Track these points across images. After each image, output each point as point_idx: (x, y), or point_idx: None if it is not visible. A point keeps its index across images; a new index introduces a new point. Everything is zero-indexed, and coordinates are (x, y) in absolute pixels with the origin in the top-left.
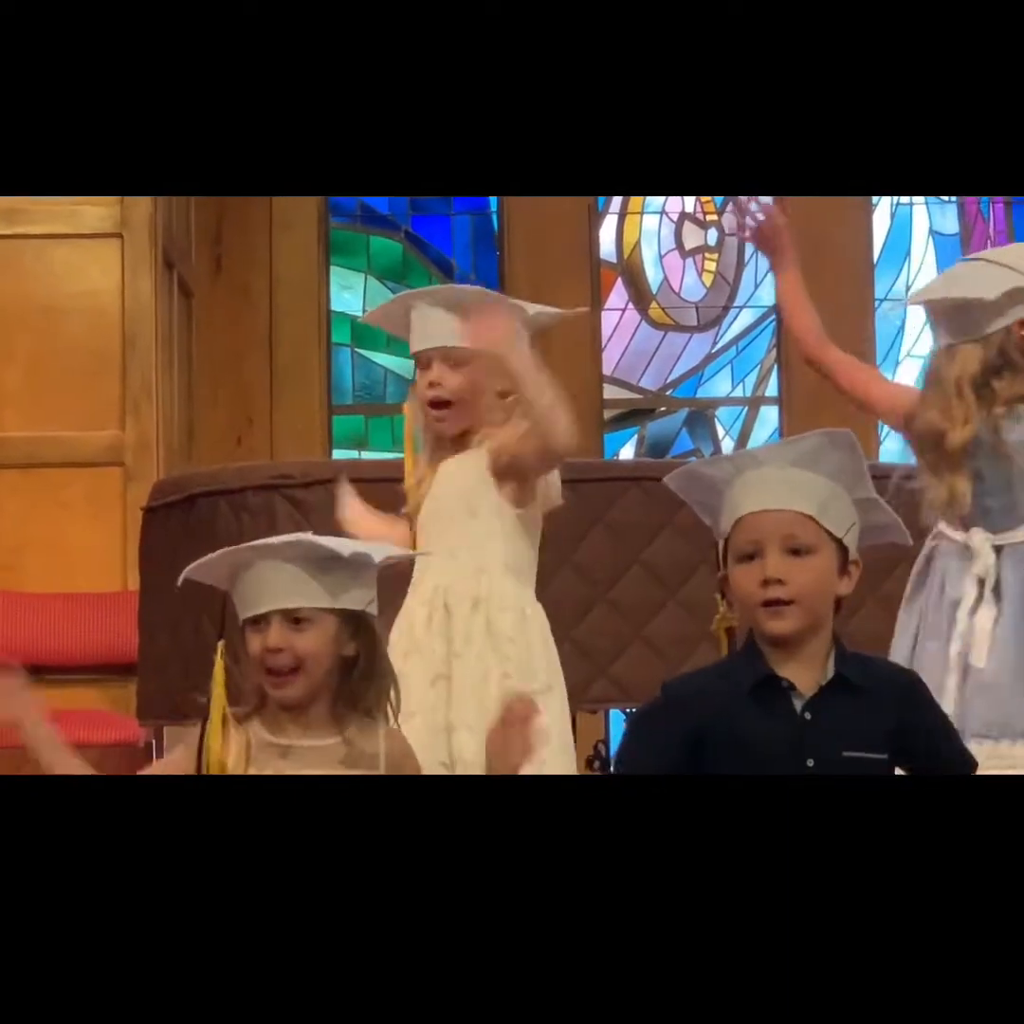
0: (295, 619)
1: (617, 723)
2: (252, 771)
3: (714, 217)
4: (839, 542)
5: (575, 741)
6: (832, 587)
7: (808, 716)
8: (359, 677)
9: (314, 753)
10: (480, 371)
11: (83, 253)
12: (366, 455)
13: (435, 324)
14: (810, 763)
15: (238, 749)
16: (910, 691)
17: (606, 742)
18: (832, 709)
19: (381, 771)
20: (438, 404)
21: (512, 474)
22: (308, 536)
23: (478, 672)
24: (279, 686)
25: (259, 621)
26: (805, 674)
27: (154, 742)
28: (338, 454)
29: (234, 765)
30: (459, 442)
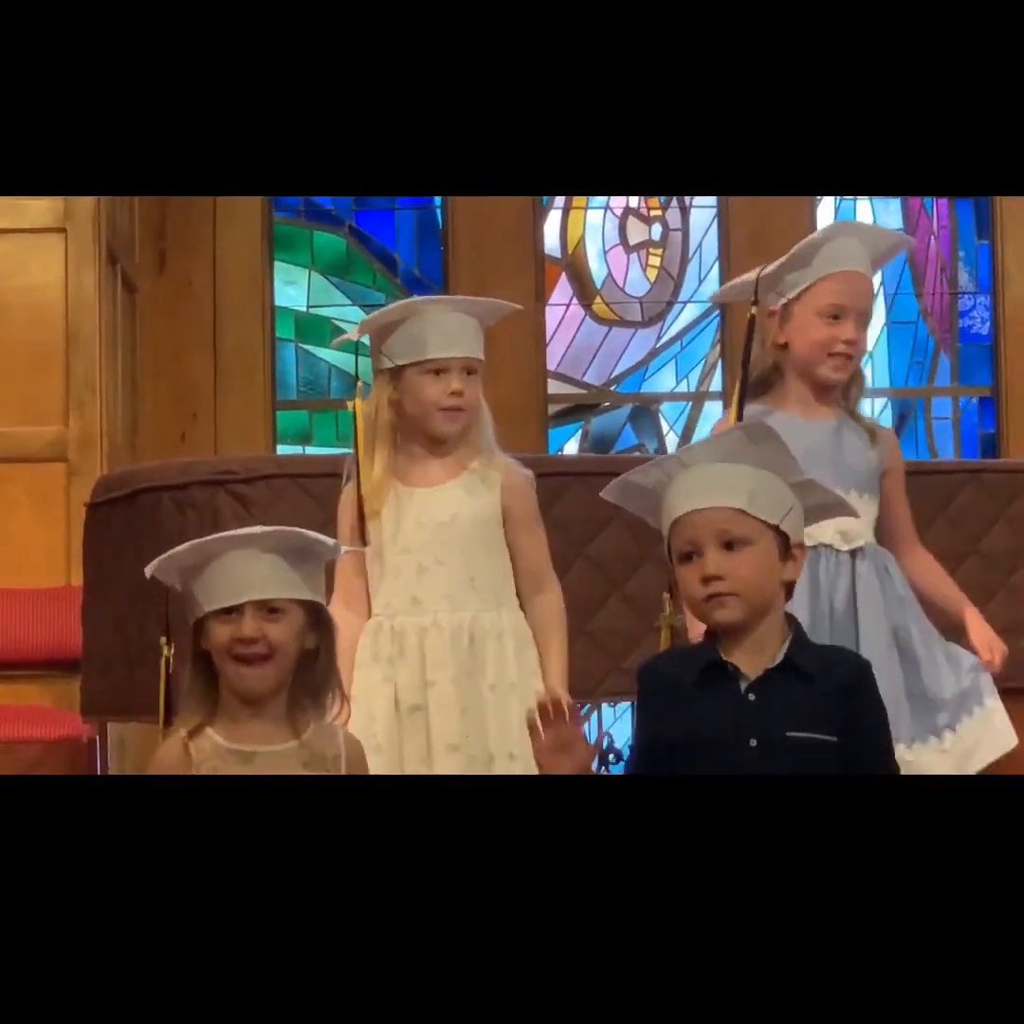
0: (270, 609)
1: None
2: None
3: (658, 212)
4: (776, 529)
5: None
6: (774, 573)
7: (752, 697)
8: (318, 672)
9: (277, 758)
10: (479, 383)
11: (26, 247)
12: (310, 450)
13: (459, 332)
14: (753, 743)
15: (197, 760)
16: (857, 679)
17: None
18: (777, 691)
19: (343, 773)
20: (456, 410)
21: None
22: (284, 527)
23: (514, 702)
24: (249, 674)
25: (231, 612)
26: (754, 659)
27: (98, 738)
28: (282, 449)
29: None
30: (438, 448)
